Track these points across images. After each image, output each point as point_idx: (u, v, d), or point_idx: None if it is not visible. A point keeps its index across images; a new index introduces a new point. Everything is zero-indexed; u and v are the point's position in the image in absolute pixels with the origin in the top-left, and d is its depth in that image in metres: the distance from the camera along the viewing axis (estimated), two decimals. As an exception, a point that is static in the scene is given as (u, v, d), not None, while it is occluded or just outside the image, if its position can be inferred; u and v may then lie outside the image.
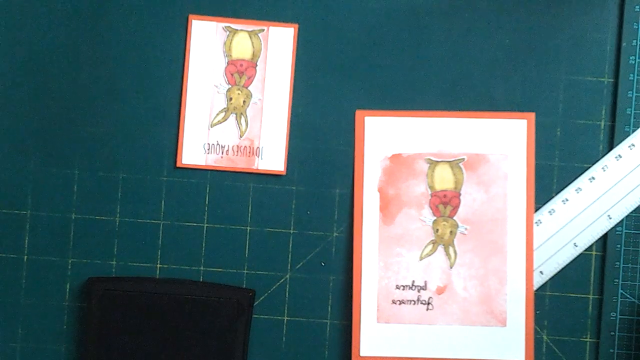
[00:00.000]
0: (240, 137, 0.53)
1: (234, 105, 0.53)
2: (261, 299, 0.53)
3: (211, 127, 0.53)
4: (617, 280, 0.53)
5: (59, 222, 0.53)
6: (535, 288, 0.53)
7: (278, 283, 0.53)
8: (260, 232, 0.53)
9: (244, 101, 0.53)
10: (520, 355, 0.52)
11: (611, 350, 0.53)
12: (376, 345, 0.52)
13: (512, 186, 0.53)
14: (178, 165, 0.53)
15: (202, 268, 0.53)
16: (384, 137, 0.53)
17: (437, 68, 0.53)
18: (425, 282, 0.53)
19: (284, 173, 0.53)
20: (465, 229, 0.53)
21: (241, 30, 0.54)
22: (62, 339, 0.53)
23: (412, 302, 0.53)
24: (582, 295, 0.53)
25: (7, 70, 0.54)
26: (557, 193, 0.53)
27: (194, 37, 0.53)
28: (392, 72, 0.53)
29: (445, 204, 0.53)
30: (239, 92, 0.53)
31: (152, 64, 0.53)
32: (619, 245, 0.53)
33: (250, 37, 0.54)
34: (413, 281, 0.53)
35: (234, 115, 0.53)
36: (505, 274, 0.52)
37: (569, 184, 0.53)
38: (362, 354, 0.52)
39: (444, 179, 0.53)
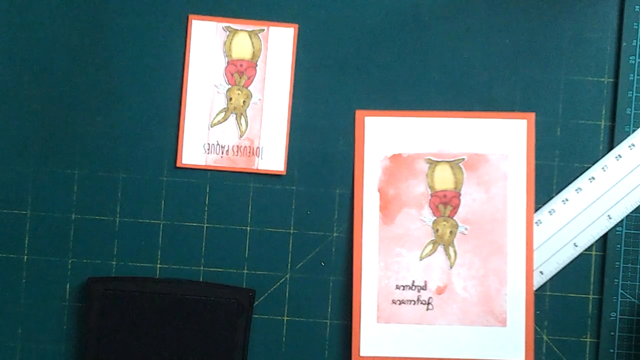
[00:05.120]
0: (240, 137, 0.53)
1: (234, 105, 0.53)
2: (261, 299, 0.53)
3: (211, 127, 0.53)
4: (617, 280, 0.53)
5: (59, 222, 0.53)
6: (535, 288, 0.53)
7: (278, 283, 0.53)
8: (260, 232, 0.53)
9: (244, 101, 0.53)
10: (520, 355, 0.52)
11: (611, 350, 0.53)
12: (376, 345, 0.52)
13: (512, 186, 0.53)
14: (178, 165, 0.53)
15: (202, 268, 0.53)
16: (384, 137, 0.53)
17: (437, 68, 0.54)
18: (425, 282, 0.53)
19: (284, 173, 0.53)
20: (465, 229, 0.53)
21: (241, 30, 0.54)
22: (62, 339, 0.53)
23: (412, 302, 0.53)
24: (582, 295, 0.53)
25: (7, 71, 0.53)
26: (557, 193, 0.53)
27: (194, 37, 0.53)
28: (392, 72, 0.53)
29: (445, 204, 0.53)
30: (239, 92, 0.53)
31: (152, 64, 0.53)
32: (619, 245, 0.53)
33: (250, 37, 0.54)
34: (413, 281, 0.53)
35: (234, 115, 0.53)
36: (505, 274, 0.52)
37: (569, 184, 0.53)
38: (362, 354, 0.52)
39: (444, 179, 0.53)
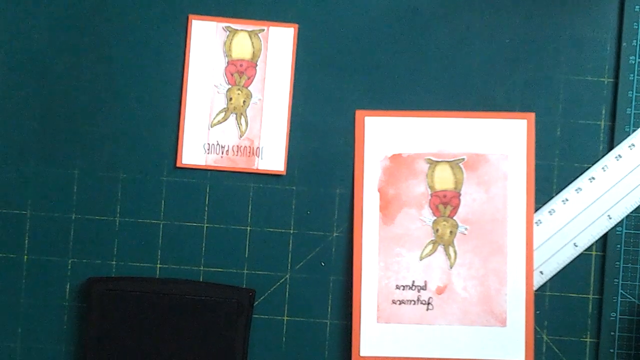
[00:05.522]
0: (240, 137, 0.53)
1: (234, 105, 0.53)
2: (261, 299, 0.53)
3: (211, 127, 0.53)
4: (617, 280, 0.53)
5: (59, 222, 0.53)
6: (535, 288, 0.53)
7: (278, 283, 0.53)
8: (260, 232, 0.53)
9: (244, 101, 0.53)
10: (520, 355, 0.52)
11: (611, 350, 0.53)
12: (376, 345, 0.52)
13: (512, 186, 0.53)
14: (178, 165, 0.53)
15: (202, 268, 0.53)
16: (384, 137, 0.53)
17: (437, 68, 0.54)
18: (425, 282, 0.53)
19: (284, 173, 0.53)
20: (465, 229, 0.53)
21: (241, 30, 0.54)
22: (62, 339, 0.53)
23: (412, 302, 0.53)
24: (582, 295, 0.53)
25: (7, 70, 0.54)
26: (557, 193, 0.53)
27: (194, 37, 0.53)
28: (392, 72, 0.53)
29: (445, 204, 0.53)
30: (239, 92, 0.53)
31: (152, 64, 0.53)
32: (619, 245, 0.53)
33: (250, 37, 0.54)
34: (413, 281, 0.53)
35: (234, 115, 0.53)
36: (505, 274, 0.52)
37: (569, 184, 0.53)
38: (362, 354, 0.52)
39: (444, 179, 0.53)
